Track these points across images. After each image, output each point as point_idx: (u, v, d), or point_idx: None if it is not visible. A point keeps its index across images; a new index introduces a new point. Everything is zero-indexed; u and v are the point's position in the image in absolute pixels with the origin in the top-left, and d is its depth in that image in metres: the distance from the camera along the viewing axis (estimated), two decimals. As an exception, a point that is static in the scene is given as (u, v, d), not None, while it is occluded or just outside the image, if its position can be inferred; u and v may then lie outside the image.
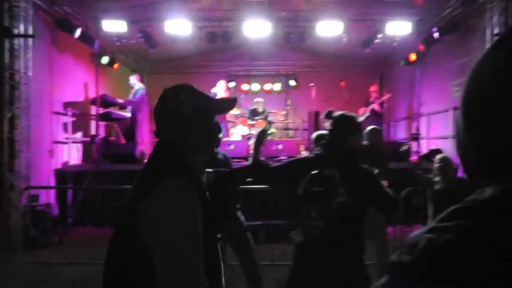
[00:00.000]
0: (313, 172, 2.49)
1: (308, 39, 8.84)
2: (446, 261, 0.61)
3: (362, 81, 11.89)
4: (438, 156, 4.50)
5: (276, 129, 11.49)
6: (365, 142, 4.84)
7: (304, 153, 9.01)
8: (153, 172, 1.48)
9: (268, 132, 9.94)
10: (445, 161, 4.37)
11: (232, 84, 13.17)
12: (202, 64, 13.07)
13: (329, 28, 8.39)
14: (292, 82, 13.44)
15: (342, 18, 8.30)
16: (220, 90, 9.44)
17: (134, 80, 9.59)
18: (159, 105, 1.62)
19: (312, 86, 10.63)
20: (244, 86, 13.63)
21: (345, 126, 2.59)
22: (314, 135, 3.86)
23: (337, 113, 2.65)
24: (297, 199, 2.48)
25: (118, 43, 9.40)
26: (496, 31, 7.68)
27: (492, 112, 0.65)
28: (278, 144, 9.13)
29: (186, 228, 1.32)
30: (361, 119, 10.39)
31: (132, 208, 1.40)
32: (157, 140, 1.62)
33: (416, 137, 9.18)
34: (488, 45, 7.59)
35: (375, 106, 10.39)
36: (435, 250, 0.62)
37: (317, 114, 10.55)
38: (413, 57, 9.35)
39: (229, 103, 1.78)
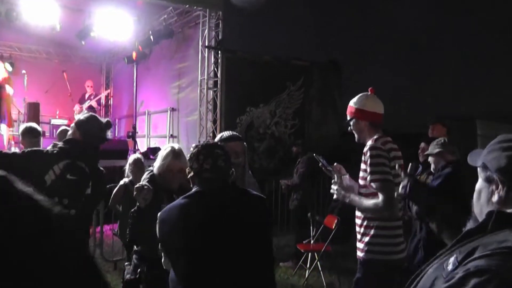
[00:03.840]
0: (66, 161, 2.70)
1: (16, 18, 7.86)
2: None
3: (86, 74, 11.32)
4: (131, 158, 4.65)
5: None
6: None
7: (14, 149, 7.95)
8: None
9: None
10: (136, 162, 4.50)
11: None
12: None
13: (40, 11, 7.70)
14: (8, 66, 11.66)
15: (55, 2, 7.76)
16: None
17: None
18: None
19: (24, 73, 9.55)
20: None
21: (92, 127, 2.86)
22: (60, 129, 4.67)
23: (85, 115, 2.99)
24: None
25: None
26: (207, 43, 8.44)
27: None
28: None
29: None
30: (78, 117, 10.03)
31: None
32: None
33: (131, 135, 9.10)
34: (200, 56, 8.00)
35: (93, 102, 10.13)
36: None
37: (36, 105, 9.52)
38: (134, 56, 9.41)
39: None
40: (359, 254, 2.72)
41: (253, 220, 2.06)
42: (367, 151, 2.66)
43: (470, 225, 1.31)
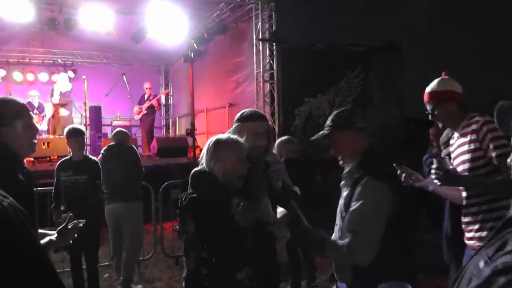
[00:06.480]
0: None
1: (74, 27, 8.30)
2: None
3: (145, 76, 11.61)
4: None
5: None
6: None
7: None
8: None
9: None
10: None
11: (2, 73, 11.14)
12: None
13: (96, 17, 8.09)
14: (71, 74, 11.50)
15: (110, 9, 8.10)
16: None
17: None
18: None
19: (84, 78, 9.61)
20: (17, 76, 11.44)
21: None
22: (115, 131, 5.13)
23: None
24: None
25: None
26: (260, 36, 8.30)
27: None
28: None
29: None
30: (137, 117, 10.27)
31: None
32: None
33: (190, 133, 8.69)
34: (255, 49, 7.82)
35: (154, 102, 10.24)
36: None
37: (98, 108, 9.87)
38: (190, 54, 9.15)
39: None
40: (476, 243, 2.38)
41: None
42: (481, 127, 2.33)
43: None
